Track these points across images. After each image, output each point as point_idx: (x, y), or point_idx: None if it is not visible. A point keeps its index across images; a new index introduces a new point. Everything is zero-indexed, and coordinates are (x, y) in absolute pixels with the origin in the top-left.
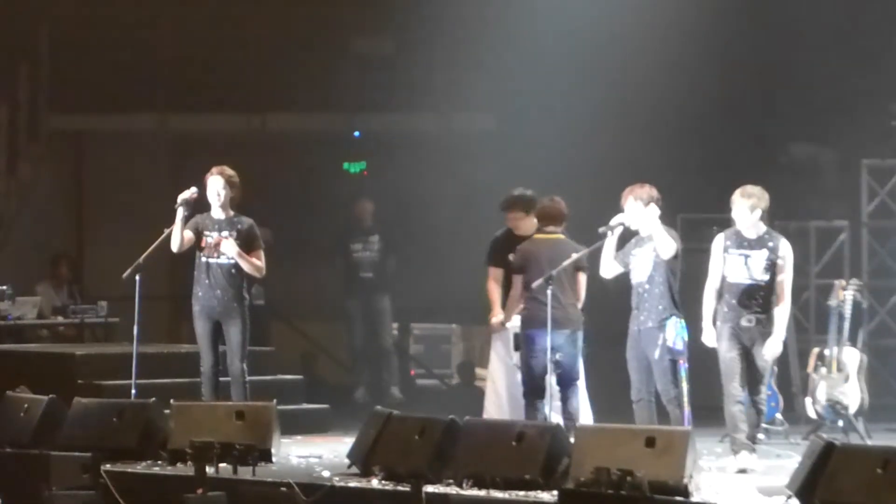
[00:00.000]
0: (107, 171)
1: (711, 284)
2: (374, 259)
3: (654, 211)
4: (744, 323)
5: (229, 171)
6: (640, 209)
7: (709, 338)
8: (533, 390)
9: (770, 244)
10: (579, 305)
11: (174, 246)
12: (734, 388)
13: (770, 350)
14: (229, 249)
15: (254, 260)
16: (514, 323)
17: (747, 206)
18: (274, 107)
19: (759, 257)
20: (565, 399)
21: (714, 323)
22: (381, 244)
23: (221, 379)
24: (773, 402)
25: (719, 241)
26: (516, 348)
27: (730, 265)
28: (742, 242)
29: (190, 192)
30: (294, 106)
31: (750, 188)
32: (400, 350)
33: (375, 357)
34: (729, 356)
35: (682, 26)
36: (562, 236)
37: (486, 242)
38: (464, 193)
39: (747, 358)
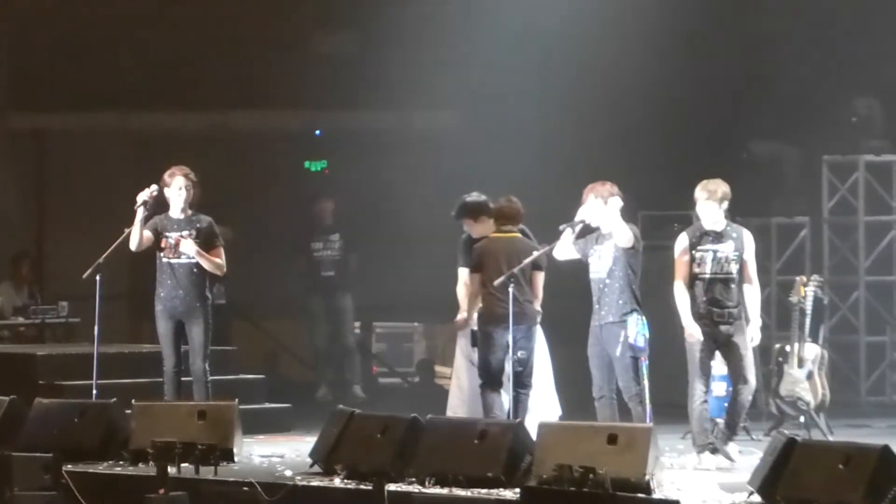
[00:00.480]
0: (68, 170)
1: (681, 282)
2: (335, 258)
3: (616, 205)
4: (723, 329)
5: (189, 171)
6: (600, 206)
7: (695, 330)
8: (490, 384)
9: (734, 235)
10: (537, 304)
11: (133, 245)
12: (699, 388)
13: (752, 337)
14: (188, 249)
15: (214, 258)
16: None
17: (715, 201)
18: (236, 105)
19: (727, 250)
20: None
21: None
22: (342, 243)
23: (184, 379)
24: None
25: (683, 239)
26: (473, 344)
27: (699, 261)
28: (707, 237)
29: (150, 191)
30: (256, 104)
31: (713, 183)
32: (362, 349)
33: (337, 356)
34: (699, 355)
35: (644, 24)
36: (518, 235)
37: (448, 240)
38: (426, 191)
39: (727, 354)
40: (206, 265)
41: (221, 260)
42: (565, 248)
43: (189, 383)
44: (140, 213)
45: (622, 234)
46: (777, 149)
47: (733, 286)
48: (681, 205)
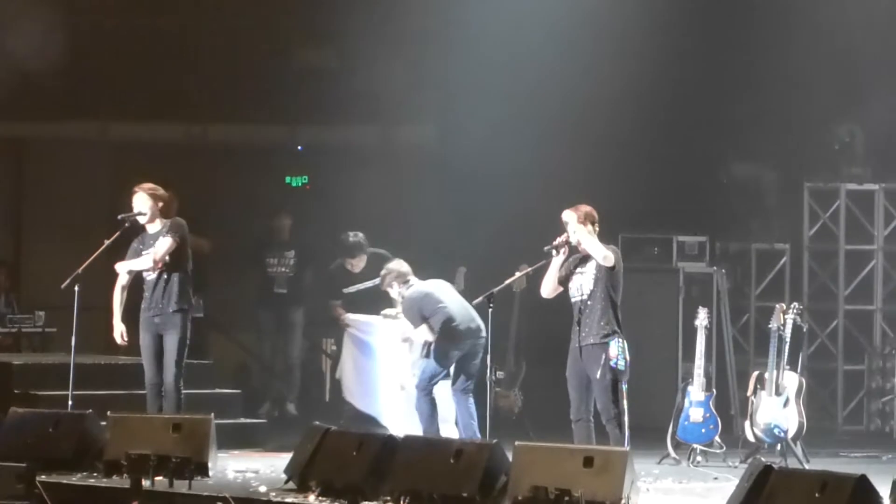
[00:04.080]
0: (46, 179)
1: None
2: (288, 274)
3: (592, 230)
4: None
5: (149, 185)
6: (579, 229)
7: None
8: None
9: None
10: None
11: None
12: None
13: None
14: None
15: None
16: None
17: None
18: (215, 117)
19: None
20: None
21: None
22: (297, 259)
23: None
24: (712, 425)
25: None
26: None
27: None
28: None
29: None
30: (236, 117)
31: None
32: (307, 365)
33: (281, 371)
34: None
35: (626, 45)
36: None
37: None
38: (407, 206)
39: None
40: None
41: (162, 249)
42: (551, 286)
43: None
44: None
45: (602, 255)
46: (758, 173)
47: None
48: (660, 228)
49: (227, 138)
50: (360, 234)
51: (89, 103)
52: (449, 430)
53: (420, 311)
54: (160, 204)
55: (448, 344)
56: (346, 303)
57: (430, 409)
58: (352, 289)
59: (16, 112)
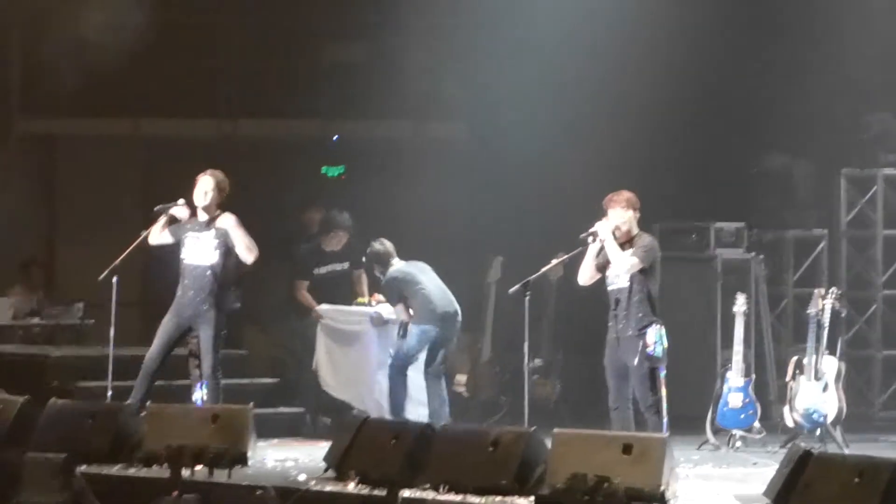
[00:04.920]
0: (79, 176)
1: None
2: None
3: (608, 227)
4: None
5: (221, 176)
6: (624, 215)
7: None
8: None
9: None
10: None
11: (151, 238)
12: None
13: None
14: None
15: (244, 254)
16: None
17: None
18: (247, 113)
19: None
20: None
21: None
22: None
23: (173, 384)
24: (751, 410)
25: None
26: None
27: None
28: None
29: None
30: (267, 112)
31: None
32: None
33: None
34: None
35: (659, 36)
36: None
37: (460, 250)
38: (440, 200)
39: None
40: (242, 241)
41: (246, 244)
42: (588, 273)
43: (159, 389)
44: (163, 219)
45: (623, 264)
46: (791, 162)
47: None
48: (698, 215)
49: (257, 134)
50: (387, 243)
51: (120, 100)
52: (423, 413)
53: (399, 292)
54: (221, 197)
55: (424, 326)
56: (314, 285)
57: (402, 390)
58: (322, 270)
59: (48, 109)
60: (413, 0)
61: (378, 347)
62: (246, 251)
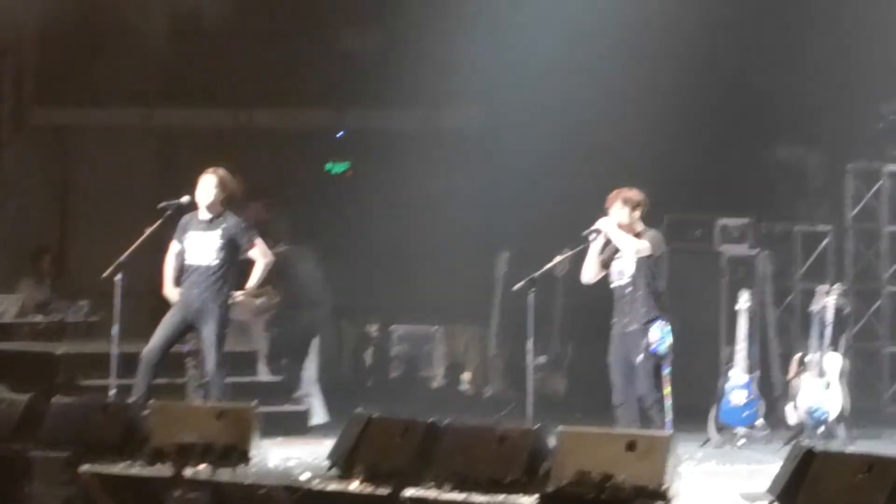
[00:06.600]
0: (91, 166)
1: None
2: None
3: (614, 218)
4: None
5: (223, 172)
6: (626, 213)
7: None
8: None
9: None
10: None
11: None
12: None
13: None
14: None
15: (260, 260)
16: None
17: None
18: (258, 102)
19: None
20: None
21: None
22: None
23: (173, 382)
24: (755, 407)
25: None
26: None
27: None
28: None
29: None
30: (279, 101)
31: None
32: (381, 350)
33: None
34: None
35: (669, 27)
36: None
37: (470, 241)
38: (451, 189)
39: None
40: (261, 273)
41: (261, 247)
42: (591, 270)
43: (160, 387)
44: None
45: (629, 247)
46: (802, 153)
47: None
48: (705, 208)
49: (269, 123)
50: None
51: (133, 90)
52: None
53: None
54: (225, 194)
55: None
56: None
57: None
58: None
59: (60, 100)
60: None
61: None
62: (262, 257)
